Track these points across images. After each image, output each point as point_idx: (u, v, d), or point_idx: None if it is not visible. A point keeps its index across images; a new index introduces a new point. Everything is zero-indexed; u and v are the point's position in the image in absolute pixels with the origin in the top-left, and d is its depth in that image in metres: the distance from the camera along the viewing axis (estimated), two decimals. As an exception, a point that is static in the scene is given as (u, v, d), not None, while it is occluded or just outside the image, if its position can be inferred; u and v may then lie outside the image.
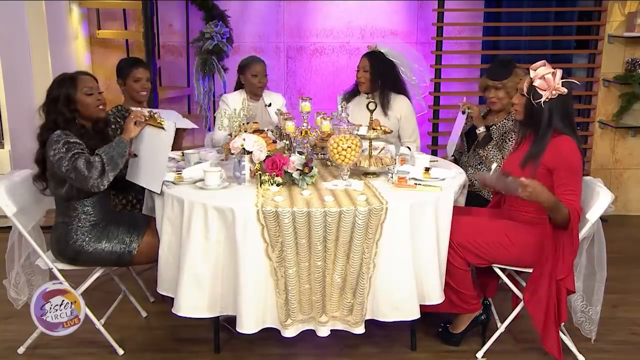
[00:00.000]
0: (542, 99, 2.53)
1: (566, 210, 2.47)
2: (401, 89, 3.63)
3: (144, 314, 3.23)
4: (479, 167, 3.31)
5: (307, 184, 2.69)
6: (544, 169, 2.57)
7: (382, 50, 3.61)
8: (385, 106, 3.53)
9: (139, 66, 3.42)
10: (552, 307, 2.61)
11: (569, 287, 2.61)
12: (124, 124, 2.70)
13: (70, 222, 2.68)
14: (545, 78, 2.52)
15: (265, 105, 3.79)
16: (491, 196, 3.09)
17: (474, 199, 3.19)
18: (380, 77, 3.55)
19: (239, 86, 3.84)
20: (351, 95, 3.71)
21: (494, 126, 3.25)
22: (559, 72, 2.52)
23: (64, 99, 2.62)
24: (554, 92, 2.52)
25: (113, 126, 3.31)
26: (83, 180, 2.53)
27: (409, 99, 3.65)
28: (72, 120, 2.64)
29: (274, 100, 3.83)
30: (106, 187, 2.57)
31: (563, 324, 2.91)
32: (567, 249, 2.55)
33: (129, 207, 3.33)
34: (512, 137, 3.14)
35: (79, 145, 2.57)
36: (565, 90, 2.52)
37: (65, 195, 2.64)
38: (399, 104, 3.57)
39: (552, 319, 2.63)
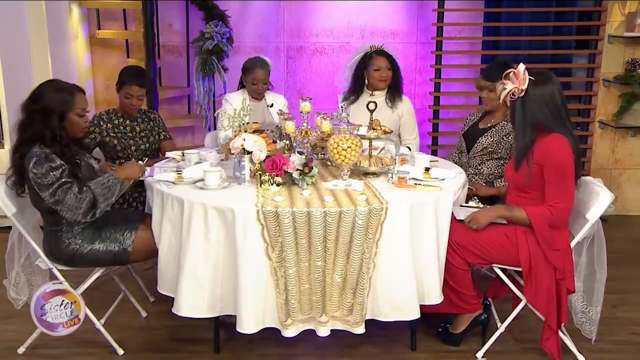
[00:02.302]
0: (507, 91, 2.58)
1: (523, 214, 2.59)
2: (402, 87, 3.72)
3: (144, 314, 3.23)
4: (479, 167, 3.31)
5: (307, 184, 2.69)
6: (537, 167, 2.59)
7: (384, 49, 3.68)
8: (394, 103, 3.63)
9: (134, 83, 3.37)
10: (553, 307, 2.62)
11: (568, 286, 2.62)
12: (126, 165, 2.73)
13: (58, 229, 2.65)
14: (509, 75, 2.59)
15: (267, 106, 3.79)
16: None
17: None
18: (396, 74, 3.66)
19: (242, 85, 3.85)
20: (351, 94, 3.73)
21: (493, 128, 3.25)
22: (522, 66, 2.56)
23: (58, 116, 2.54)
24: (518, 89, 2.56)
25: (98, 129, 3.34)
26: (71, 215, 2.53)
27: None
28: (58, 137, 2.55)
29: (276, 101, 3.83)
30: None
31: (563, 324, 2.92)
32: (549, 249, 2.58)
33: (126, 205, 3.33)
34: (512, 140, 3.15)
35: (62, 170, 2.49)
36: (524, 88, 2.55)
37: (48, 208, 2.57)
38: (403, 103, 3.67)
39: (553, 320, 2.63)
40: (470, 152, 3.35)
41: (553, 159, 2.54)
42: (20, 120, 2.61)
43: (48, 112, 2.54)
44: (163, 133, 3.60)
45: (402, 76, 3.72)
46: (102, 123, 3.39)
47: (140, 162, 2.80)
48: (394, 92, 3.67)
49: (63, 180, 2.50)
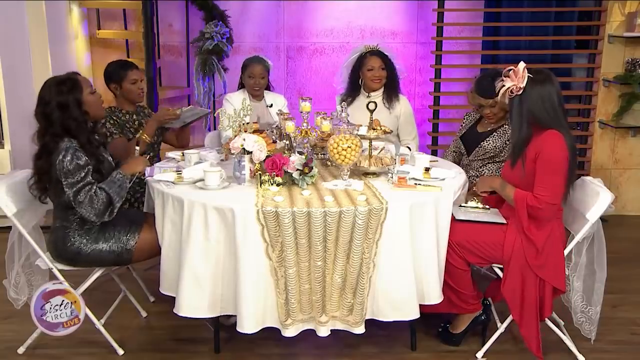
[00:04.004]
0: (506, 88, 2.59)
1: (511, 194, 2.65)
2: (399, 87, 3.72)
3: (144, 314, 3.23)
4: (480, 170, 3.31)
5: (307, 184, 2.69)
6: (531, 164, 2.60)
7: (380, 49, 3.68)
8: (391, 103, 3.62)
9: (132, 68, 3.40)
10: (532, 301, 2.62)
11: (557, 286, 2.63)
12: (130, 161, 2.75)
13: (68, 225, 2.67)
14: (509, 73, 2.60)
15: (267, 106, 3.79)
16: None
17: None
18: (391, 74, 3.65)
19: (242, 85, 3.85)
20: (349, 95, 3.73)
21: (495, 132, 3.25)
22: (522, 64, 2.57)
23: (74, 104, 2.58)
24: (516, 86, 2.57)
25: (107, 124, 3.32)
26: (87, 215, 2.57)
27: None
28: (84, 124, 2.62)
29: (276, 101, 3.83)
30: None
31: (563, 323, 2.92)
32: (525, 237, 2.60)
33: (127, 206, 3.33)
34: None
35: (88, 170, 2.55)
36: (522, 86, 2.56)
37: (65, 202, 2.61)
38: (400, 102, 3.67)
39: (533, 314, 2.63)
40: (471, 155, 3.34)
41: (546, 153, 2.55)
42: (38, 128, 2.61)
43: (65, 105, 2.57)
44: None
45: (398, 76, 3.70)
46: (113, 118, 3.36)
47: (143, 155, 2.84)
48: (391, 92, 3.65)
49: (87, 180, 2.55)
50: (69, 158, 2.51)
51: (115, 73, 3.40)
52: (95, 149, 2.65)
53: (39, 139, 2.61)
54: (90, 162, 2.58)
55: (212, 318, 2.65)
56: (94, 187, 2.56)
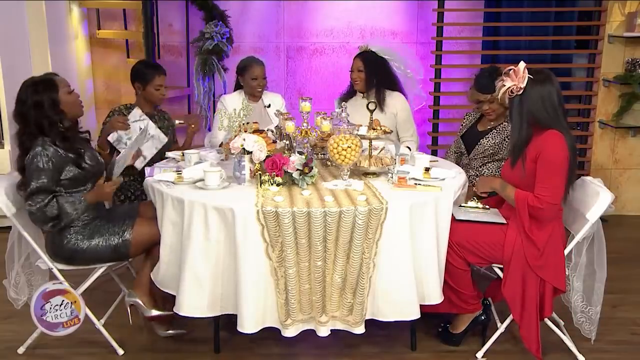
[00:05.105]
0: (506, 88, 2.59)
1: (511, 195, 2.65)
2: (395, 86, 3.69)
3: (144, 314, 3.23)
4: (480, 169, 3.31)
5: (307, 184, 2.69)
6: (532, 164, 2.60)
7: (372, 49, 3.66)
8: (381, 103, 3.60)
9: (161, 74, 3.41)
10: (533, 302, 2.62)
11: (557, 286, 2.63)
12: (101, 190, 2.70)
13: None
14: (509, 73, 2.60)
15: (265, 106, 3.79)
16: None
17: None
18: (375, 75, 3.61)
19: (238, 87, 3.84)
20: (347, 96, 3.74)
21: (494, 130, 3.25)
22: (522, 64, 2.57)
23: (49, 103, 2.60)
24: (516, 86, 2.57)
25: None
26: (33, 219, 2.59)
27: (404, 95, 3.71)
28: (58, 123, 2.63)
29: (273, 100, 3.83)
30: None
31: (563, 323, 2.92)
32: (527, 238, 2.60)
33: (127, 202, 3.33)
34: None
35: (47, 175, 2.55)
36: (522, 86, 2.56)
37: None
38: (394, 101, 3.64)
39: (534, 315, 2.63)
40: (471, 153, 3.34)
41: (546, 153, 2.55)
42: (17, 129, 2.65)
43: (40, 104, 2.59)
44: (175, 137, 3.62)
45: (392, 75, 3.67)
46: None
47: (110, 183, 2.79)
48: (379, 93, 3.60)
49: (42, 185, 2.54)
50: (29, 159, 2.54)
51: (141, 74, 3.41)
52: (72, 145, 2.64)
53: (18, 139, 2.64)
54: (67, 159, 2.60)
55: (215, 317, 2.65)
56: (49, 197, 2.55)
